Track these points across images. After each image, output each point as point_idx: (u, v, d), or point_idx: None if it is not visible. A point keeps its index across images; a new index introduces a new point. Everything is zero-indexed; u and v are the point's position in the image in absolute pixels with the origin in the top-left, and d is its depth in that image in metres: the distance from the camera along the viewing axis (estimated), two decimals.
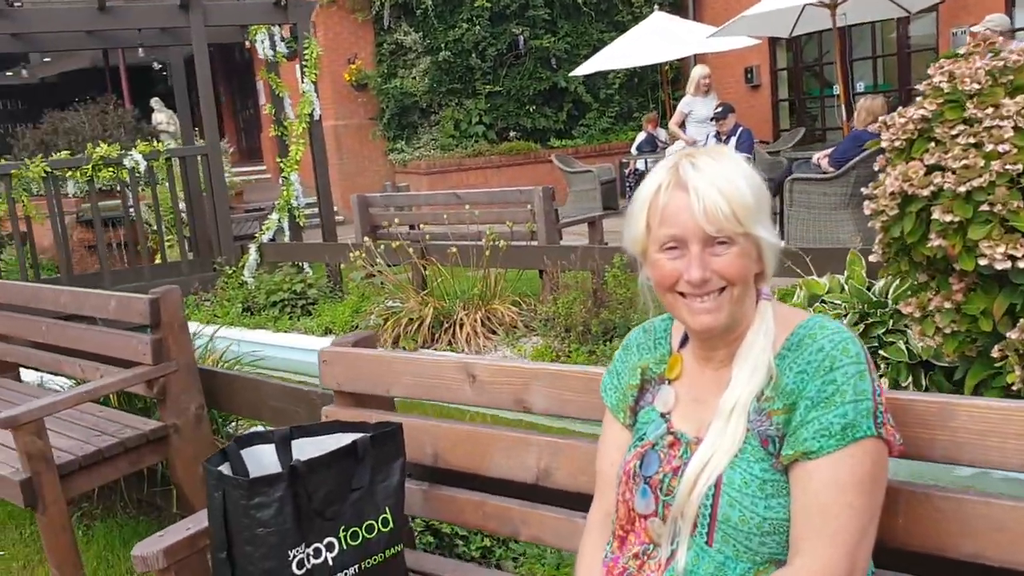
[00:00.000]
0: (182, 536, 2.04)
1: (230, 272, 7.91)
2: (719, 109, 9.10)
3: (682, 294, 1.50)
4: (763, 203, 1.52)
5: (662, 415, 1.61)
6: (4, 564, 3.73)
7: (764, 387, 1.48)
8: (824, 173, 7.53)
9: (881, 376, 4.33)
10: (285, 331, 7.02)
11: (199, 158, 8.25)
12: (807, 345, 1.47)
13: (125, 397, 4.06)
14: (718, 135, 9.23)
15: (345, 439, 2.10)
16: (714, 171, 1.48)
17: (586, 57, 13.67)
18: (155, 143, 8.44)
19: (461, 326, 5.96)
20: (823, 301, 4.64)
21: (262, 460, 2.10)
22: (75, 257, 9.84)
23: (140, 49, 8.41)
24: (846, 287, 4.63)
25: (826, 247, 6.07)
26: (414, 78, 14.71)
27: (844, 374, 1.42)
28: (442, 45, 14.63)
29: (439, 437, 2.17)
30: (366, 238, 6.77)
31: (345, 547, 1.96)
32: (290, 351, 6.70)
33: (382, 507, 2.02)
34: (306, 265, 8.18)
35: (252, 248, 8.02)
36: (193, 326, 7.27)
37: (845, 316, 4.43)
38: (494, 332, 5.99)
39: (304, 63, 8.14)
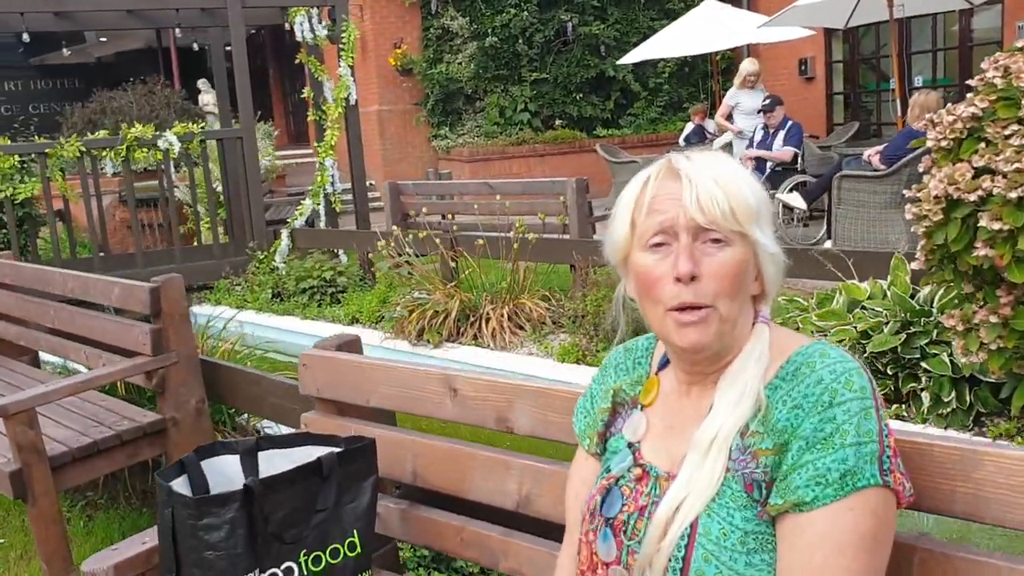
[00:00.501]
0: (136, 551, 1.91)
1: (261, 257, 7.83)
2: (767, 101, 8.79)
3: (670, 309, 1.30)
4: (764, 209, 1.33)
5: (629, 444, 1.41)
6: (2, 552, 3.66)
7: (750, 420, 1.28)
8: (875, 170, 7.22)
9: (922, 390, 4.08)
10: (312, 319, 6.92)
11: (236, 141, 8.16)
12: (804, 376, 1.27)
13: (133, 386, 3.97)
14: (766, 128, 8.92)
15: (316, 452, 1.95)
16: (711, 164, 1.32)
17: (635, 45, 13.36)
18: (199, 124, 8.41)
19: (487, 320, 5.79)
20: (863, 307, 4.40)
21: (226, 472, 1.95)
22: (116, 237, 9.88)
23: (178, 30, 8.29)
24: (888, 293, 4.38)
25: (869, 250, 5.79)
26: (460, 63, 14.54)
27: (846, 411, 1.21)
28: (489, 30, 14.43)
29: (417, 453, 2.01)
30: (395, 227, 6.63)
31: (306, 573, 1.80)
32: (313, 340, 6.59)
33: (349, 530, 1.86)
34: (341, 252, 8.07)
35: (284, 233, 7.94)
36: (218, 310, 7.27)
37: (886, 324, 4.18)
38: (521, 328, 5.81)
39: (342, 47, 8.01)
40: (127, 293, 3.43)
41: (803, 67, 14.05)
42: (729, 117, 9.94)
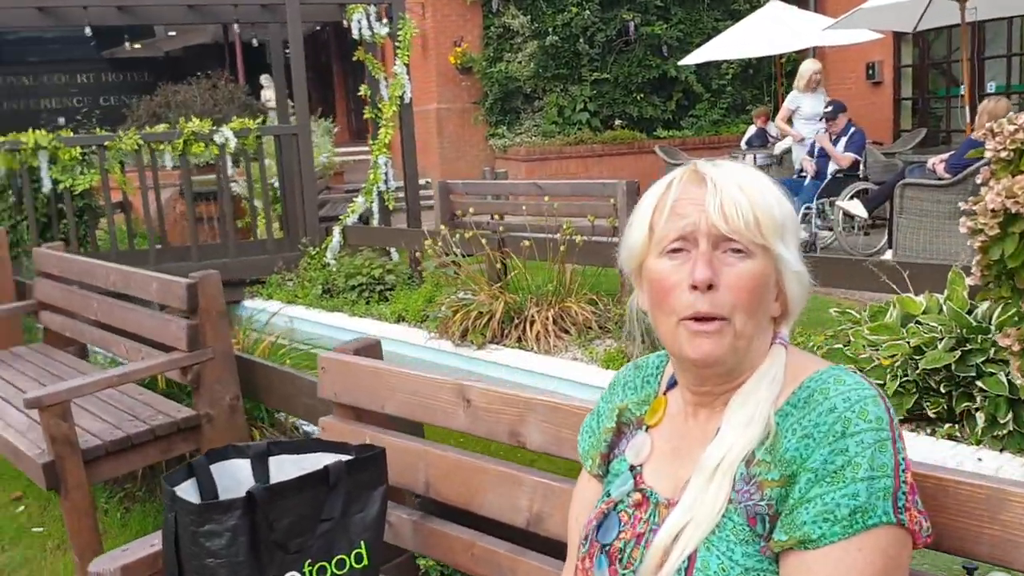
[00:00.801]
0: (145, 553, 1.89)
1: (313, 253, 7.88)
2: (829, 108, 8.55)
3: (684, 318, 1.23)
4: (789, 224, 1.26)
5: (631, 467, 1.35)
6: (40, 541, 3.72)
7: (757, 448, 1.20)
8: (939, 179, 6.99)
9: (977, 410, 3.91)
10: (360, 316, 6.94)
11: (292, 137, 8.22)
12: (816, 403, 1.19)
13: (173, 382, 3.99)
14: (828, 135, 8.69)
15: (327, 459, 1.91)
16: (738, 173, 1.26)
17: (698, 46, 13.17)
18: (258, 119, 8.50)
19: (532, 323, 5.73)
20: (918, 322, 4.23)
21: (236, 476, 1.92)
22: (176, 229, 10.04)
23: (236, 25, 8.38)
24: (944, 308, 4.20)
25: (927, 261, 5.59)
26: (520, 62, 14.49)
27: (859, 443, 1.13)
28: (550, 29, 14.35)
29: (430, 464, 1.96)
30: (442, 226, 6.61)
31: None
32: (358, 336, 6.60)
33: (356, 541, 1.82)
34: (393, 250, 8.08)
35: (336, 230, 7.98)
36: (268, 304, 7.33)
37: (941, 340, 4.02)
38: (566, 331, 5.74)
39: (397, 44, 8.01)
40: (165, 288, 3.45)
41: (871, 71, 13.70)
42: (789, 121, 9.70)
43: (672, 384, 1.37)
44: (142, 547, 1.91)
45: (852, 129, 8.52)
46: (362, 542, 1.82)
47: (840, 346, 4.42)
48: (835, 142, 8.54)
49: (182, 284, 3.31)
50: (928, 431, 4.06)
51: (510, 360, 5.65)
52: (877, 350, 4.22)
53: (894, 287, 4.58)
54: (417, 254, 7.02)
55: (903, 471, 1.15)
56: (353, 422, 2.15)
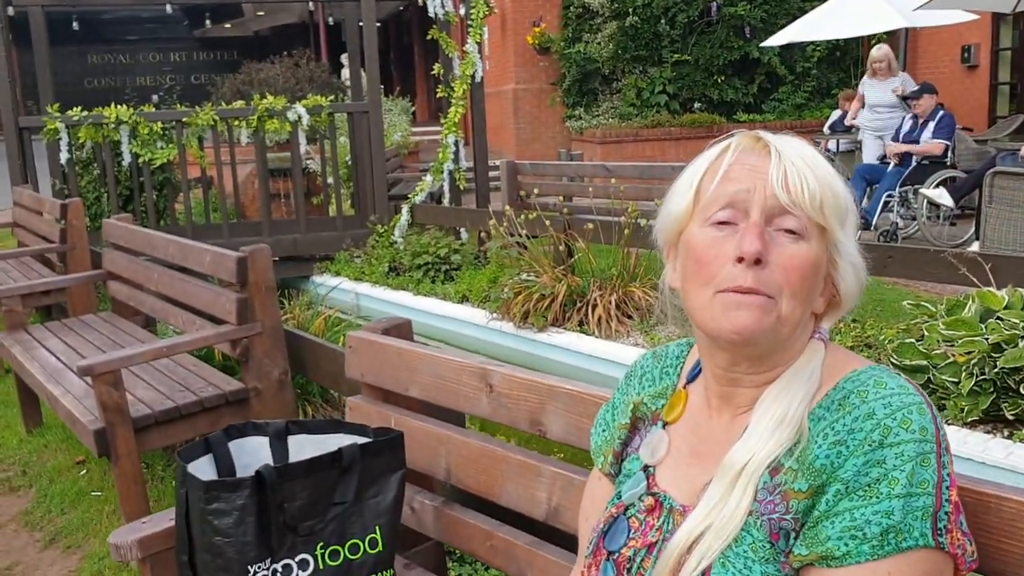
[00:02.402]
0: (163, 527, 1.87)
1: (381, 231, 7.90)
2: (915, 88, 8.19)
3: (722, 290, 1.10)
4: (851, 213, 1.15)
5: (645, 468, 1.24)
6: (98, 505, 3.79)
7: (784, 454, 1.08)
8: None
9: None
10: (424, 295, 6.93)
11: (363, 115, 8.24)
12: (852, 407, 1.06)
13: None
14: (915, 117, 8.32)
15: (347, 441, 1.86)
16: (803, 146, 1.15)
17: (783, 27, 12.76)
18: (334, 98, 8.56)
19: (594, 307, 5.63)
20: (999, 318, 4.01)
21: (258, 454, 1.89)
22: (255, 205, 10.20)
23: (314, 3, 8.42)
24: None
25: (1013, 255, 5.29)
26: (599, 43, 14.28)
27: (898, 455, 1.01)
28: (630, 10, 14.10)
29: (451, 450, 1.89)
30: (507, 206, 6.54)
31: (322, 567, 1.72)
32: (422, 315, 6.62)
33: (371, 526, 1.77)
34: (463, 230, 8.05)
35: (404, 208, 7.98)
36: (335, 280, 7.38)
37: (1023, 338, 3.79)
38: (629, 316, 5.62)
39: (469, 23, 7.95)
40: (217, 261, 3.46)
41: (966, 54, 13.09)
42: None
43: (694, 376, 1.26)
44: (161, 520, 1.90)
45: (941, 113, 8.14)
46: (377, 527, 1.77)
47: (912, 340, 4.22)
48: (923, 126, 8.18)
49: (232, 257, 3.32)
50: (1005, 433, 3.85)
51: (570, 344, 5.57)
52: (952, 346, 4.01)
53: (975, 280, 4.34)
54: (483, 234, 6.96)
55: (947, 488, 1.03)
56: (380, 403, 2.10)
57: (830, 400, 1.10)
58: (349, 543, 1.75)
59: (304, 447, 1.89)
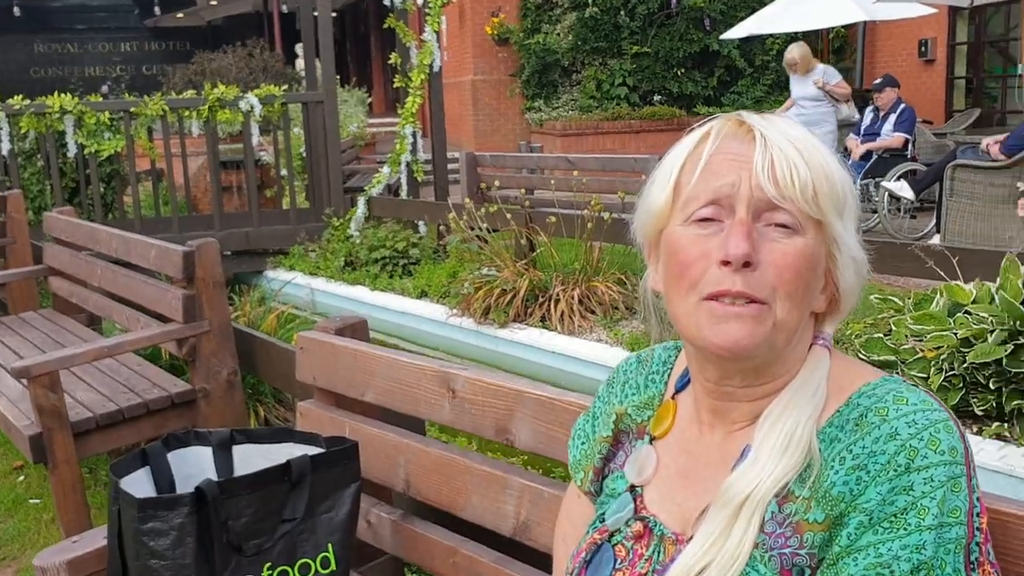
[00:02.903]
0: (95, 547, 1.71)
1: (337, 224, 7.71)
2: (876, 81, 8.17)
3: (707, 297, 0.97)
4: (850, 199, 1.01)
5: (631, 488, 1.11)
6: (36, 513, 3.59)
7: (793, 480, 0.96)
8: (993, 161, 6.62)
9: None
10: (381, 290, 6.77)
11: (317, 105, 8.04)
12: (871, 426, 0.94)
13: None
14: (876, 110, 8.32)
15: (298, 451, 1.72)
16: (791, 128, 1.01)
17: (743, 19, 12.74)
18: (287, 88, 8.34)
19: (556, 302, 5.51)
20: (967, 312, 3.95)
21: (200, 465, 1.74)
22: (207, 198, 9.94)
23: None
24: (997, 298, 3.91)
25: (978, 247, 5.27)
26: (558, 34, 14.16)
27: (928, 480, 0.90)
28: (589, 1, 13.99)
29: (410, 459, 1.75)
30: (467, 199, 6.39)
31: None
32: (379, 311, 6.46)
33: (323, 543, 1.62)
34: (422, 223, 7.88)
35: (360, 201, 7.79)
36: (290, 275, 7.19)
37: (992, 332, 3.74)
38: (592, 311, 5.51)
39: (427, 11, 7.78)
40: (163, 256, 3.28)
41: (923, 48, 13.19)
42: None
43: (683, 385, 1.13)
44: (95, 539, 1.74)
45: (902, 106, 8.14)
46: (329, 544, 1.63)
47: (880, 335, 4.16)
48: (883, 119, 8.18)
49: (178, 252, 3.14)
50: (974, 430, 3.80)
51: (533, 340, 5.45)
52: (921, 341, 3.95)
53: (942, 274, 4.29)
54: (442, 228, 6.81)
55: (978, 516, 0.92)
56: (333, 409, 1.96)
57: (843, 418, 0.97)
58: (299, 563, 1.60)
59: (250, 458, 1.74)
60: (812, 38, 14.47)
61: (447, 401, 1.67)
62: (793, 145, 0.98)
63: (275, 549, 1.58)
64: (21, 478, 3.94)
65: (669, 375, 1.17)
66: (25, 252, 5.13)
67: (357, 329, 2.00)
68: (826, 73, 8.53)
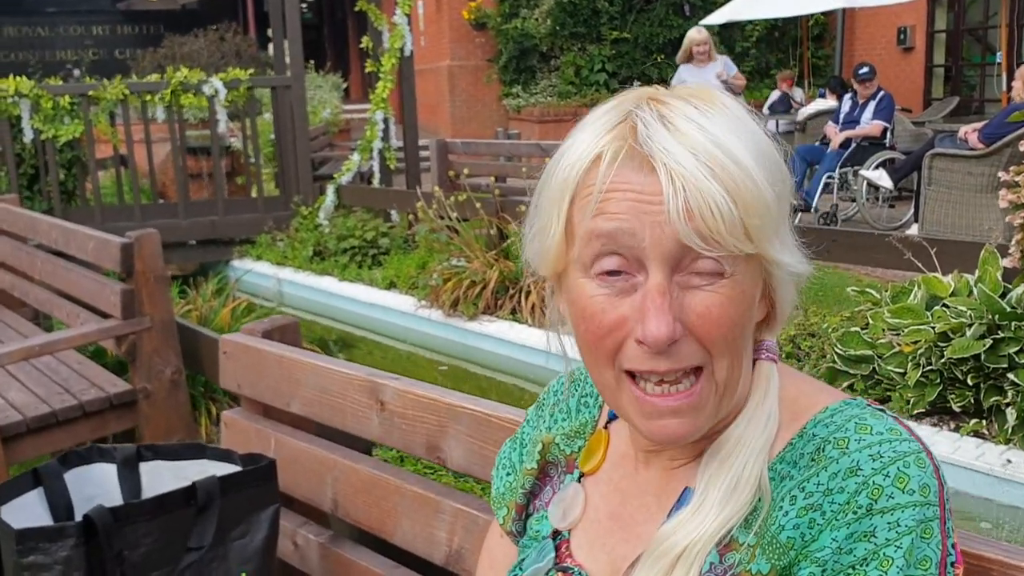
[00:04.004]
0: None
1: (306, 213, 7.51)
2: (864, 70, 8.00)
3: (629, 373, 0.80)
4: (785, 199, 0.82)
5: (555, 533, 0.95)
6: None
7: (739, 526, 0.80)
8: (971, 149, 6.51)
9: (1008, 405, 3.52)
10: (350, 281, 6.59)
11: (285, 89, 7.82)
12: (828, 460, 0.79)
13: None
14: (855, 97, 8.18)
15: (212, 469, 1.55)
16: (701, 134, 0.77)
17: (722, 5, 12.60)
18: (257, 72, 8.13)
19: (527, 294, 5.35)
20: (945, 305, 3.83)
21: (103, 485, 1.57)
22: (175, 184, 9.71)
23: None
24: (975, 291, 3.79)
25: (957, 238, 5.16)
26: (536, 19, 13.96)
27: (893, 525, 0.75)
28: None
29: (339, 477, 1.59)
30: (436, 188, 6.21)
31: None
32: (347, 303, 6.30)
33: (236, 573, 1.46)
34: (395, 212, 7.69)
35: (330, 189, 7.59)
36: (256, 265, 7.00)
37: (970, 326, 3.62)
38: None
39: None
40: (100, 248, 3.10)
41: (901, 36, 13.08)
42: None
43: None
44: None
45: (881, 94, 8.01)
46: (243, 574, 1.46)
47: (857, 329, 4.02)
48: (863, 107, 8.05)
49: (116, 244, 2.96)
50: (952, 426, 3.69)
51: (502, 333, 5.30)
52: (898, 335, 3.83)
53: (920, 266, 4.17)
54: (412, 217, 6.64)
55: (952, 566, 0.77)
56: (260, 419, 1.79)
57: (797, 452, 0.82)
58: None
59: (159, 476, 1.57)
60: (791, 25, 14.38)
61: (375, 414, 1.51)
62: (709, 167, 0.76)
63: None
64: None
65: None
66: None
67: (287, 332, 1.83)
68: (726, 64, 7.77)
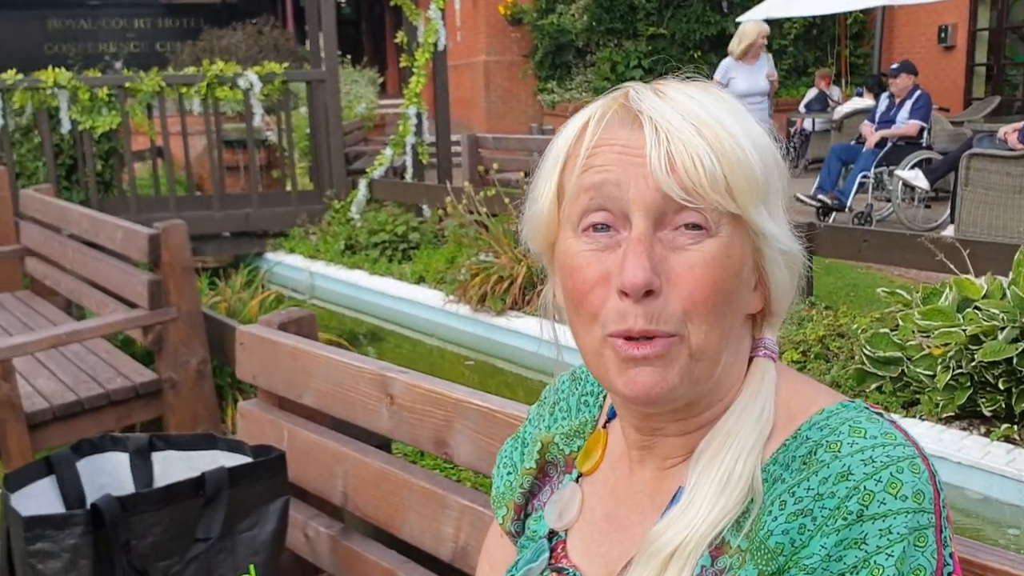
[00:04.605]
0: None
1: (338, 207, 7.55)
2: (893, 67, 7.90)
3: (613, 334, 0.80)
4: (774, 179, 0.82)
5: (550, 534, 0.94)
6: None
7: (729, 527, 0.79)
8: (1010, 150, 6.39)
9: None
10: (380, 275, 6.61)
11: (320, 84, 7.86)
12: (820, 464, 0.77)
13: None
14: (892, 96, 8.07)
15: (223, 459, 1.56)
16: (692, 102, 0.80)
17: (760, 2, 12.47)
18: (295, 66, 8.18)
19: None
20: (977, 308, 3.76)
21: (116, 475, 1.59)
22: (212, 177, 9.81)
23: None
24: (1008, 293, 3.72)
25: (992, 240, 5.06)
26: (572, 15, 13.91)
27: (884, 532, 0.73)
28: None
29: (349, 470, 1.59)
30: (466, 183, 6.21)
31: None
32: (377, 296, 6.32)
33: (243, 565, 1.47)
34: (425, 207, 7.70)
35: (362, 183, 7.62)
36: (289, 258, 7.06)
37: (1002, 329, 3.55)
38: None
39: None
40: (128, 238, 3.14)
41: (942, 34, 12.86)
42: None
43: (616, 412, 0.95)
44: None
45: (918, 93, 7.88)
46: (252, 567, 1.47)
47: (887, 330, 3.97)
48: (899, 106, 7.92)
49: (143, 235, 2.99)
50: (982, 431, 3.62)
51: (529, 328, 5.28)
52: (928, 337, 3.77)
53: (952, 267, 4.10)
54: (438, 211, 6.65)
55: (949, 573, 0.75)
56: (275, 411, 1.80)
57: (789, 455, 0.80)
58: None
59: (171, 466, 1.59)
60: (830, 23, 14.21)
61: (385, 407, 1.51)
62: (694, 126, 0.78)
63: (186, 572, 1.43)
64: None
65: (605, 397, 0.99)
66: (9, 231, 4.99)
67: (303, 324, 1.84)
68: (770, 63, 7.41)
